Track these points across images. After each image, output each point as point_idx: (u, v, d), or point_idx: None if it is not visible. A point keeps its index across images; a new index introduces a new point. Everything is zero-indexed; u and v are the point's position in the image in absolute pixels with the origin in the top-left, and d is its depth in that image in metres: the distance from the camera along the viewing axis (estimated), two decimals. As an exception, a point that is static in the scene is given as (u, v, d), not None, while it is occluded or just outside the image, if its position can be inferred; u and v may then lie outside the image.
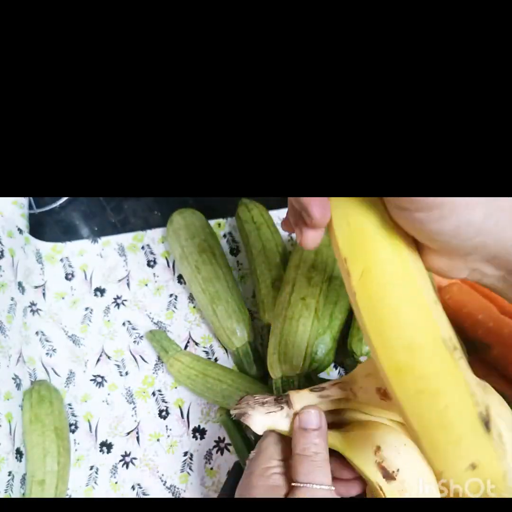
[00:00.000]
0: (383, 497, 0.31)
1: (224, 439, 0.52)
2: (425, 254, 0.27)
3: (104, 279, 0.61)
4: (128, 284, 0.60)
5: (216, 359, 0.55)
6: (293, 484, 0.31)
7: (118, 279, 0.60)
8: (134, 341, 0.57)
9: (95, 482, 0.52)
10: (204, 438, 0.53)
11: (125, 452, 0.53)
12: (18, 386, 0.52)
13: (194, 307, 0.58)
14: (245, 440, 0.50)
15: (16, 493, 0.48)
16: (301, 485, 0.30)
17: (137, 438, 0.54)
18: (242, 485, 0.33)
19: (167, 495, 0.51)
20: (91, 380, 0.56)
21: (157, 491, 0.51)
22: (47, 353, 0.57)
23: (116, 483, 0.52)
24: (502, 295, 0.30)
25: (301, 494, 0.30)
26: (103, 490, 0.52)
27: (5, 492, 0.47)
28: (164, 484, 0.52)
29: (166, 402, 0.55)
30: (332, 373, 0.53)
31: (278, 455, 0.33)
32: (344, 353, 0.51)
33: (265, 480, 0.32)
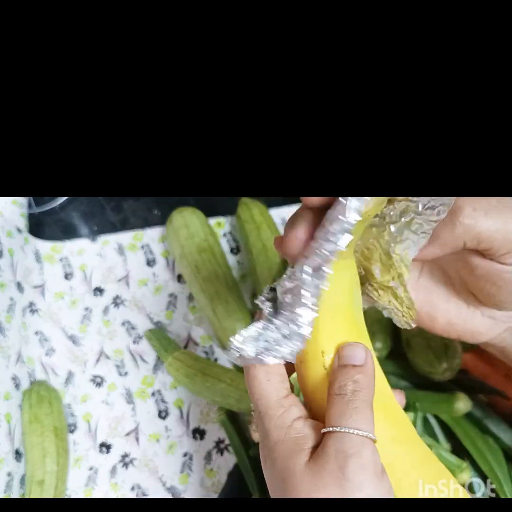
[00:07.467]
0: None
1: (224, 440, 0.52)
2: (469, 314, 0.29)
3: (103, 279, 0.60)
4: (127, 284, 0.60)
5: (216, 359, 0.55)
6: (322, 430, 0.25)
7: (117, 278, 0.60)
8: (134, 341, 0.57)
9: (94, 483, 0.52)
10: (203, 438, 0.53)
11: (125, 453, 0.53)
12: (18, 386, 0.52)
13: (193, 307, 0.58)
14: (244, 441, 0.50)
15: (15, 494, 0.48)
16: (331, 429, 0.24)
17: (137, 439, 0.53)
18: (262, 451, 0.27)
19: (167, 495, 0.51)
20: (90, 380, 0.56)
21: (156, 492, 0.51)
22: (46, 353, 0.57)
23: (115, 483, 0.52)
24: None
25: (331, 442, 0.24)
26: (103, 490, 0.52)
27: (5, 493, 0.46)
28: (163, 485, 0.51)
29: (165, 403, 0.54)
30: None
31: (284, 391, 0.27)
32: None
33: (286, 431, 0.25)
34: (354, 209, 0.22)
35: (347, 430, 0.24)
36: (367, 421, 0.24)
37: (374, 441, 0.24)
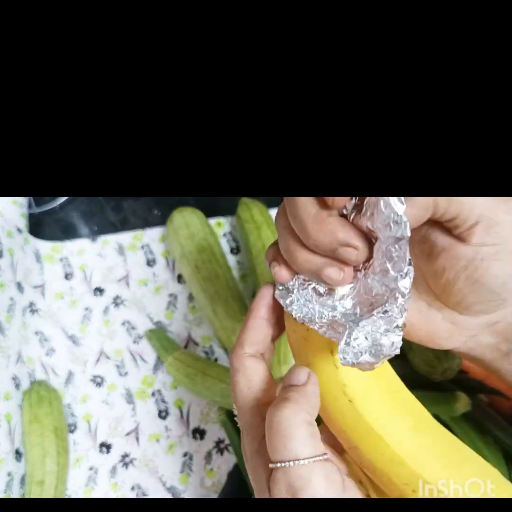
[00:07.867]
0: None
1: (224, 440, 0.52)
2: (430, 316, 0.27)
3: (103, 279, 0.60)
4: (127, 284, 0.60)
5: (216, 359, 0.55)
6: (270, 465, 0.23)
7: (117, 278, 0.60)
8: (134, 341, 0.57)
9: (94, 483, 0.52)
10: (203, 438, 0.53)
11: (125, 453, 0.53)
12: (18, 386, 0.52)
13: (193, 307, 0.58)
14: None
15: (15, 494, 0.48)
16: (272, 466, 0.23)
17: (137, 439, 0.53)
18: (245, 460, 0.26)
19: (167, 495, 0.51)
20: (90, 380, 0.56)
21: (156, 492, 0.51)
22: (46, 353, 0.57)
23: (115, 483, 0.52)
24: (487, 367, 0.29)
25: (278, 477, 0.22)
26: (103, 490, 0.52)
27: (5, 493, 0.46)
28: (163, 485, 0.51)
29: (165, 403, 0.54)
30: (332, 373, 0.53)
31: (265, 400, 0.26)
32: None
33: (258, 444, 0.25)
34: (395, 201, 0.22)
35: (287, 465, 0.22)
36: (305, 444, 0.22)
37: (324, 459, 0.23)
